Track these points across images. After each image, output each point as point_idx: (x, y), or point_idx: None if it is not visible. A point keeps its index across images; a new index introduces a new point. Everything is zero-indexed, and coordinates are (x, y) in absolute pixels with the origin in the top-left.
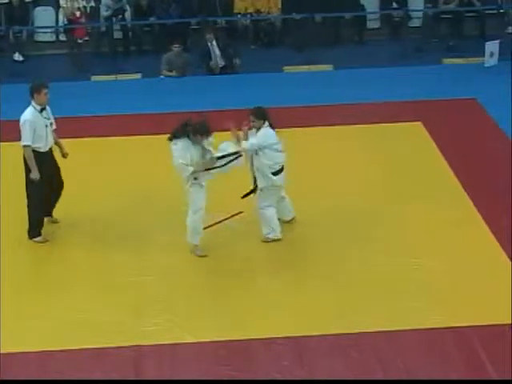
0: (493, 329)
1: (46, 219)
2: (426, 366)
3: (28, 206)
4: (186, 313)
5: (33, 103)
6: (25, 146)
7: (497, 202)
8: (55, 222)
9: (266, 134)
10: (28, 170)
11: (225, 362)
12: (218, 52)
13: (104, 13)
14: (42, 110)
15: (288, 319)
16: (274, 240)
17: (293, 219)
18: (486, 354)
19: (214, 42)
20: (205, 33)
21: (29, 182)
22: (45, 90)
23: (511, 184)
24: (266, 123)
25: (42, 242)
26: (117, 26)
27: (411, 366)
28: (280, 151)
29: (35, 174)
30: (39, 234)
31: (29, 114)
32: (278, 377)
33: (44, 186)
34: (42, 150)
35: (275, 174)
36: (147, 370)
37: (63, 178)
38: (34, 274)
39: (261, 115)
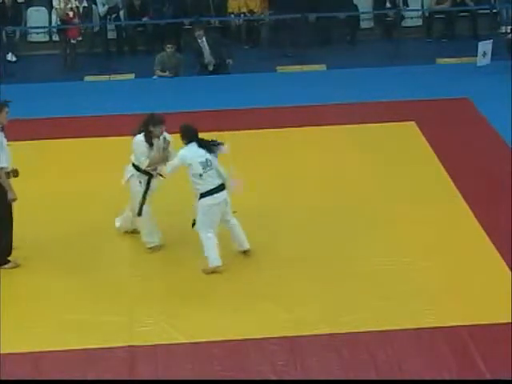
0: (486, 328)
1: None
2: (420, 366)
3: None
4: (180, 313)
5: None
6: (2, 169)
7: (490, 201)
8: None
9: (182, 154)
10: None
11: (219, 362)
12: (207, 49)
13: (101, 9)
14: (2, 129)
15: (282, 319)
16: (213, 271)
17: (245, 251)
18: (479, 353)
19: (204, 39)
20: (195, 30)
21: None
22: (6, 109)
23: (504, 182)
24: (192, 143)
25: (13, 268)
26: (110, 26)
27: (404, 365)
28: (201, 174)
29: (13, 195)
30: (9, 261)
31: None
32: (273, 377)
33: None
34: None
35: (206, 194)
36: (141, 370)
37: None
38: (31, 275)
39: (183, 134)
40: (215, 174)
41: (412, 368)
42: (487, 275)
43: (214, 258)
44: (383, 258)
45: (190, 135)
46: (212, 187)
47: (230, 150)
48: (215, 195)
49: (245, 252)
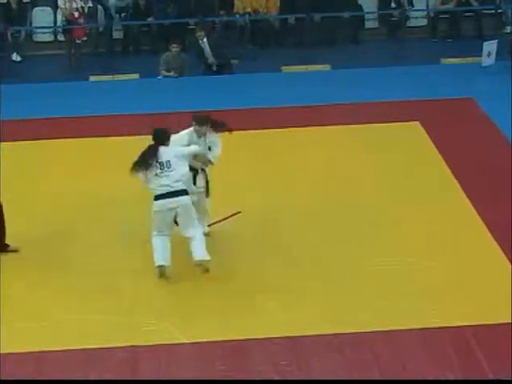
0: (490, 328)
1: None
2: (423, 366)
3: None
4: (182, 313)
5: None
6: None
7: (495, 201)
8: (15, 250)
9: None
10: None
11: (221, 362)
12: (208, 50)
13: (112, 7)
14: None
15: (285, 319)
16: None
17: (201, 265)
18: (483, 353)
19: (205, 40)
20: (195, 30)
21: None
22: None
23: (509, 183)
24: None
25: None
26: (117, 26)
27: (408, 365)
28: (157, 174)
29: None
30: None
31: None
32: (275, 377)
33: None
34: None
35: (158, 197)
36: (143, 370)
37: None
38: (31, 275)
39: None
40: (174, 178)
41: (416, 368)
42: (492, 275)
43: (156, 259)
44: (387, 258)
45: (159, 138)
46: (165, 192)
47: (237, 150)
48: (167, 200)
49: (200, 265)
